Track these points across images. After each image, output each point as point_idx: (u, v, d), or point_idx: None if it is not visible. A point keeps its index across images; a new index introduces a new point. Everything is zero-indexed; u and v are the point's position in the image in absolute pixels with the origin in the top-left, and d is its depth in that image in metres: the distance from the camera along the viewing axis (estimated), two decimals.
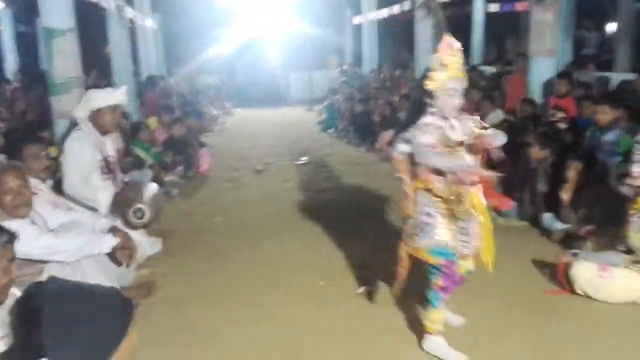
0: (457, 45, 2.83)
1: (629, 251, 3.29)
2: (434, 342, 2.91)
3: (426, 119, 2.84)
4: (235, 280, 3.95)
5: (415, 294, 3.25)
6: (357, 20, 15.03)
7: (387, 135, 8.32)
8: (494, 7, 14.43)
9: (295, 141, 9.85)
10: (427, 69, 3.09)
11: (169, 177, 6.80)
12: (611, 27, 15.87)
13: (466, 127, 2.87)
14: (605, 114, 4.64)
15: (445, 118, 2.82)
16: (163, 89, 10.51)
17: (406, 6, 11.18)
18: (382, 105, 9.27)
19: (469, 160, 2.81)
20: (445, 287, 2.87)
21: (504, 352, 2.92)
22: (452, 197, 2.78)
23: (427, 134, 2.77)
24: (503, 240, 4.48)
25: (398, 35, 15.20)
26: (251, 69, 17.45)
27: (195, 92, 13.26)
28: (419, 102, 3.11)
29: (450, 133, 2.81)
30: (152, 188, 4.72)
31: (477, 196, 2.89)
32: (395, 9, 11.84)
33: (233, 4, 16.00)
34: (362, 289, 3.66)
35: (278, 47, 16.87)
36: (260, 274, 4.04)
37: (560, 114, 6.06)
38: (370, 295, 3.56)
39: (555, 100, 6.22)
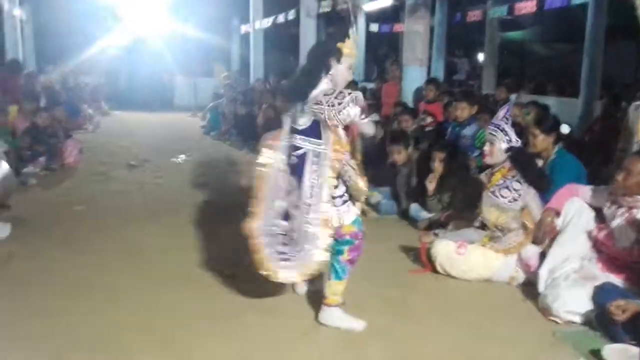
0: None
1: (483, 226, 3.50)
2: (333, 314, 2.88)
3: (324, 86, 2.73)
4: (87, 263, 3.66)
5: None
6: (244, 29, 15.02)
7: (269, 137, 8.32)
8: (374, 27, 15.14)
9: (176, 141, 9.50)
10: None
11: (28, 168, 6.26)
12: (480, 56, 17.36)
13: None
14: (463, 110, 5.01)
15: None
16: (29, 79, 9.67)
17: (291, 15, 11.36)
18: (266, 109, 9.26)
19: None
20: (353, 259, 2.89)
21: (370, 319, 2.95)
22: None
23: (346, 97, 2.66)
24: (374, 230, 4.65)
25: (285, 45, 15.40)
26: (135, 72, 16.77)
27: (68, 89, 12.39)
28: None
29: None
30: (3, 167, 4.27)
31: None
32: (281, 18, 11.99)
33: (116, 4, 15.30)
34: (230, 271, 3.54)
35: (164, 52, 16.37)
36: (116, 257, 3.78)
37: (429, 119, 6.43)
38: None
39: (424, 106, 6.60)
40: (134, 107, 14.60)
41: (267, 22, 12.75)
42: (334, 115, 2.66)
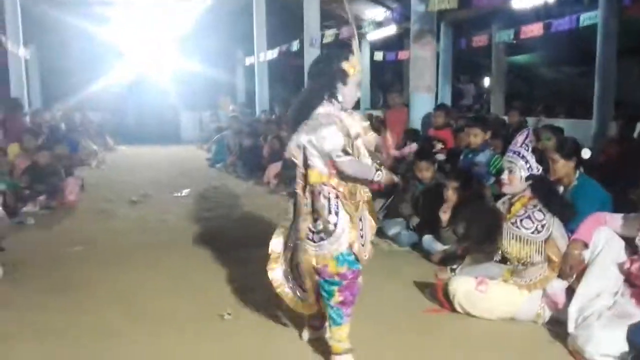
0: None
1: (504, 260, 3.25)
2: None
3: (324, 109, 2.57)
4: (81, 309, 3.44)
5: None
6: (248, 61, 15.04)
7: (275, 167, 8.14)
8: (379, 56, 15.12)
9: (180, 175, 9.36)
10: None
11: (27, 207, 6.12)
12: (486, 81, 17.27)
13: (358, 122, 2.71)
14: (476, 136, 4.80)
15: (343, 110, 2.62)
16: (32, 117, 9.62)
17: (295, 46, 11.31)
18: (272, 140, 9.12)
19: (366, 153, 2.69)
20: (346, 300, 2.59)
21: None
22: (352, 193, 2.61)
23: (332, 126, 2.50)
24: (385, 263, 4.42)
25: (290, 75, 15.39)
26: (141, 107, 16.84)
27: (73, 126, 12.37)
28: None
29: (350, 124, 2.62)
30: None
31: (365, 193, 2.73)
32: (285, 49, 11.97)
33: (120, 40, 15.44)
34: (227, 313, 3.30)
35: (170, 86, 16.45)
36: (113, 302, 3.55)
37: (440, 145, 6.22)
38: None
39: (434, 132, 6.40)
40: (140, 142, 14.60)
41: (272, 53, 12.73)
42: (312, 148, 2.52)
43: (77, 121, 13.18)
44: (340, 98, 2.58)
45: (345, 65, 2.56)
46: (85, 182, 7.68)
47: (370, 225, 2.77)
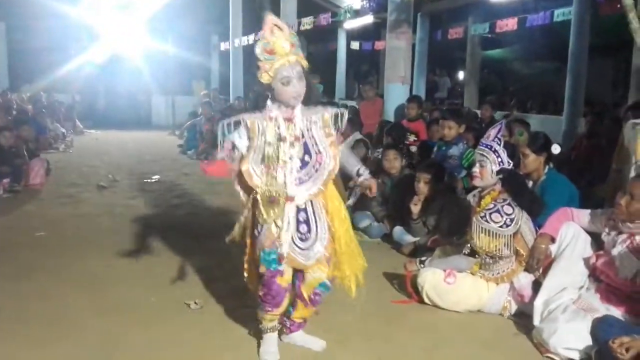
0: (281, 23, 2.45)
1: (473, 253, 3.25)
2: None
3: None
4: (43, 296, 3.34)
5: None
6: (224, 46, 14.84)
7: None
8: (355, 45, 15.06)
9: (151, 161, 9.21)
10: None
11: None
12: (460, 74, 17.39)
13: (310, 123, 2.56)
14: (450, 128, 4.80)
15: (289, 107, 2.49)
16: (2, 97, 9.32)
17: None
18: None
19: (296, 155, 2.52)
20: (262, 297, 2.59)
21: (352, 357, 2.70)
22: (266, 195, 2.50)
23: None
24: None
25: None
26: (112, 90, 16.48)
27: (40, 108, 12.04)
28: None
29: (283, 125, 2.49)
30: None
31: (331, 198, 2.66)
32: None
33: (92, 20, 15.04)
34: (193, 302, 3.25)
35: (141, 70, 16.12)
36: (76, 289, 3.45)
37: (412, 137, 6.23)
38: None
39: (407, 124, 6.40)
40: (110, 126, 14.31)
41: (247, 39, 12.56)
42: None
43: (44, 102, 12.83)
44: (277, 98, 2.49)
45: (263, 77, 2.46)
46: (52, 166, 7.49)
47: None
